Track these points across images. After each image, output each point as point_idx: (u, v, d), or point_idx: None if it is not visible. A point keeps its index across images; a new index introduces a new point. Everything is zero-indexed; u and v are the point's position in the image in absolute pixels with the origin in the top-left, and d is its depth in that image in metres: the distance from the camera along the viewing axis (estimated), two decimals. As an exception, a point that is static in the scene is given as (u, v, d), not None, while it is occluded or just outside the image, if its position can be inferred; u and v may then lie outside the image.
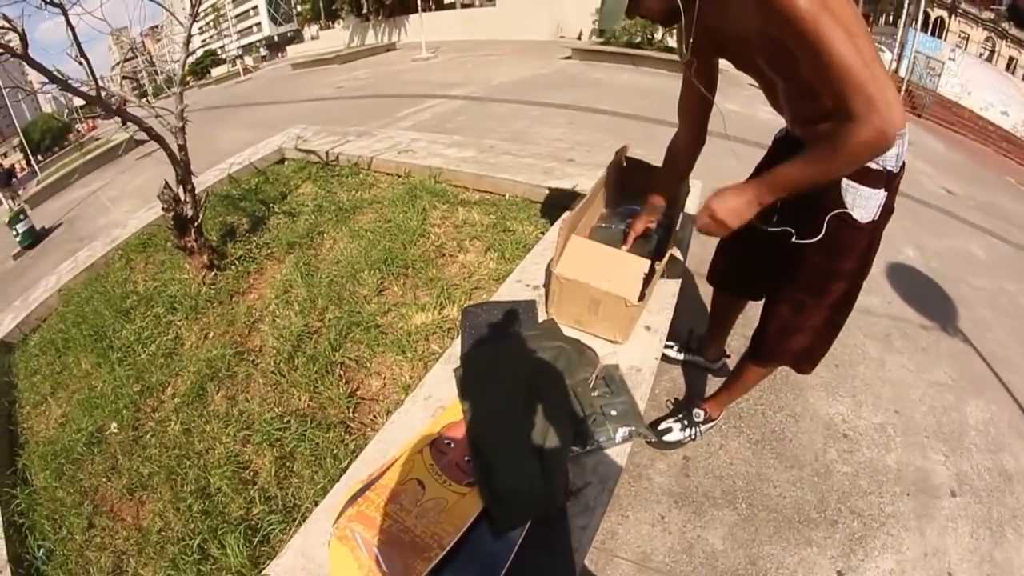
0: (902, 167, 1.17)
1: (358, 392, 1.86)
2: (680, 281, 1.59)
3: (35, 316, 3.11)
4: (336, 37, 23.24)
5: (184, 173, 2.65)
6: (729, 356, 2.05)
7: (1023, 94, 26.73)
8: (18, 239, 6.07)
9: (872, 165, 1.12)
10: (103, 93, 2.36)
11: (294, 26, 40.37)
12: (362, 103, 7.97)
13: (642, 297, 1.28)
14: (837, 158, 1.00)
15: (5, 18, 2.06)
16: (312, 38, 27.97)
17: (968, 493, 1.78)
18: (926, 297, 3.20)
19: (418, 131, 4.19)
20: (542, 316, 1.49)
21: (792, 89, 1.12)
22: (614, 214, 1.81)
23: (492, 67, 10.62)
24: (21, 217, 6.13)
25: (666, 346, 1.77)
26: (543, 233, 2.48)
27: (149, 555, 1.62)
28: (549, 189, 2.84)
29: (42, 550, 1.78)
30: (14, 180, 10.89)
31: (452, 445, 1.17)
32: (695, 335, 2.08)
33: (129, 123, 2.47)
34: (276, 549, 1.44)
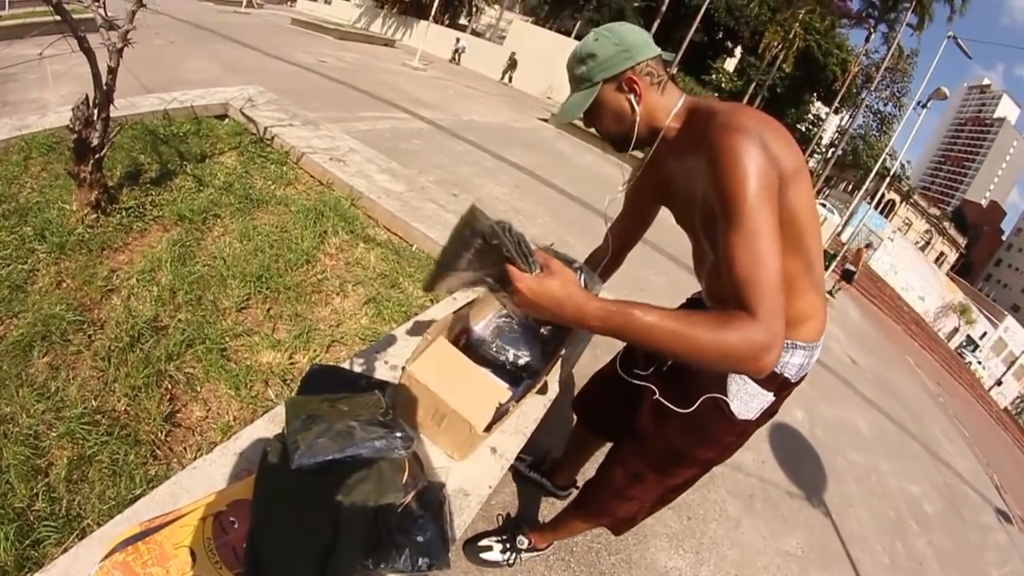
0: (801, 379, 1.10)
1: (178, 415, 1.65)
2: (548, 406, 1.50)
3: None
4: (346, 9, 22.94)
5: (103, 99, 2.37)
6: (578, 487, 1.96)
7: (942, 286, 29.80)
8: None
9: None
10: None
11: (316, -20, 39.77)
12: (333, 88, 7.75)
13: (490, 428, 1.17)
14: (706, 342, 0.80)
15: None
16: (326, 1, 27.69)
17: None
18: (801, 464, 3.30)
19: (363, 142, 4.05)
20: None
21: (715, 264, 1.01)
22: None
23: (471, 101, 10.78)
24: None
25: (519, 456, 1.66)
26: (432, 302, 2.37)
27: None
28: (457, 256, 2.72)
29: None
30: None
31: (236, 525, 1.03)
32: (550, 456, 1.99)
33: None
34: (44, 558, 1.27)
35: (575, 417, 1.74)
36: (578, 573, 1.76)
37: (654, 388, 1.18)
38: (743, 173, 0.82)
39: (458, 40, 19.34)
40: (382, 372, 1.46)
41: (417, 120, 7.05)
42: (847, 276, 12.20)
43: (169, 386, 1.71)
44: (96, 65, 2.33)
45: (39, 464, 1.50)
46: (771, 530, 2.57)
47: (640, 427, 1.23)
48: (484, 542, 1.65)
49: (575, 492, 1.91)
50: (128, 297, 2.07)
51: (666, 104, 1.04)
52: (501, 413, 1.21)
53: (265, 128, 3.67)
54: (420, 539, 1.12)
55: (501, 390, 1.26)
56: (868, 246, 13.53)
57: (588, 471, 1.98)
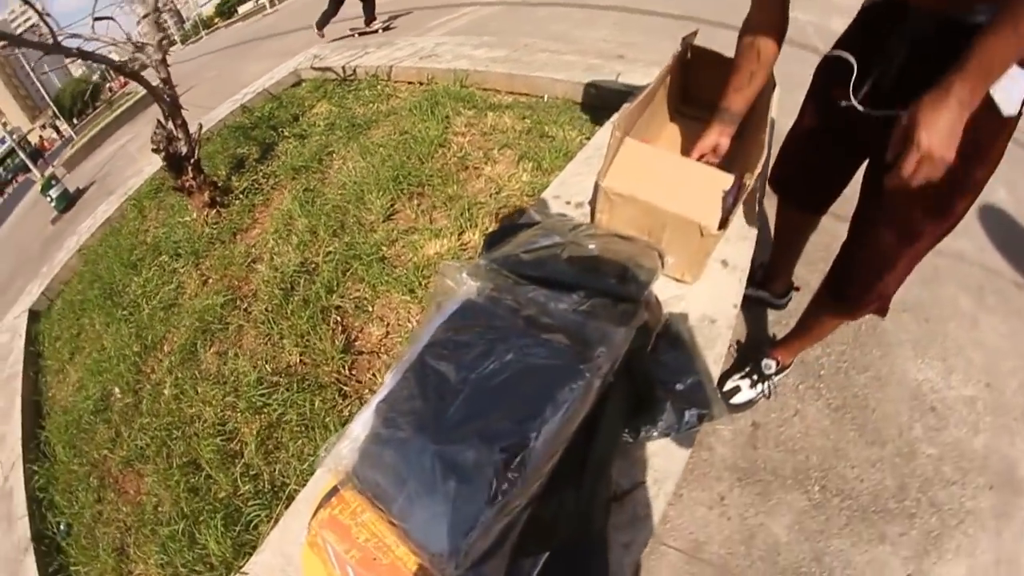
0: None
1: (356, 343, 1.58)
2: (761, 198, 1.22)
3: (58, 280, 3.05)
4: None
5: (171, 108, 2.43)
6: (798, 289, 1.71)
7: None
8: (53, 204, 6.09)
9: None
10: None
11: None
12: (393, 14, 7.33)
13: (724, 224, 0.93)
14: None
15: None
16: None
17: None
18: (1020, 249, 2.76)
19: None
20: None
21: None
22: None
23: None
24: (52, 183, 6.19)
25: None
26: (588, 138, 2.08)
27: (145, 534, 1.48)
28: (595, 87, 2.44)
29: (61, 525, 1.70)
30: (40, 160, 13.83)
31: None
32: (759, 263, 1.70)
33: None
34: (260, 539, 1.27)
35: (777, 203, 1.43)
36: (831, 401, 1.54)
37: (902, 113, 0.86)
38: None
39: None
40: (568, 212, 1.26)
41: (487, 7, 6.47)
42: None
43: (338, 318, 1.64)
44: (147, 82, 2.36)
45: (232, 449, 1.52)
46: (1009, 328, 2.15)
47: (888, 169, 0.89)
48: (728, 385, 1.47)
49: (794, 295, 1.70)
50: (271, 259, 2.06)
51: None
52: (729, 206, 0.96)
53: (343, 67, 3.58)
54: (680, 387, 0.91)
55: (722, 177, 0.99)
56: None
57: (798, 273, 1.72)
